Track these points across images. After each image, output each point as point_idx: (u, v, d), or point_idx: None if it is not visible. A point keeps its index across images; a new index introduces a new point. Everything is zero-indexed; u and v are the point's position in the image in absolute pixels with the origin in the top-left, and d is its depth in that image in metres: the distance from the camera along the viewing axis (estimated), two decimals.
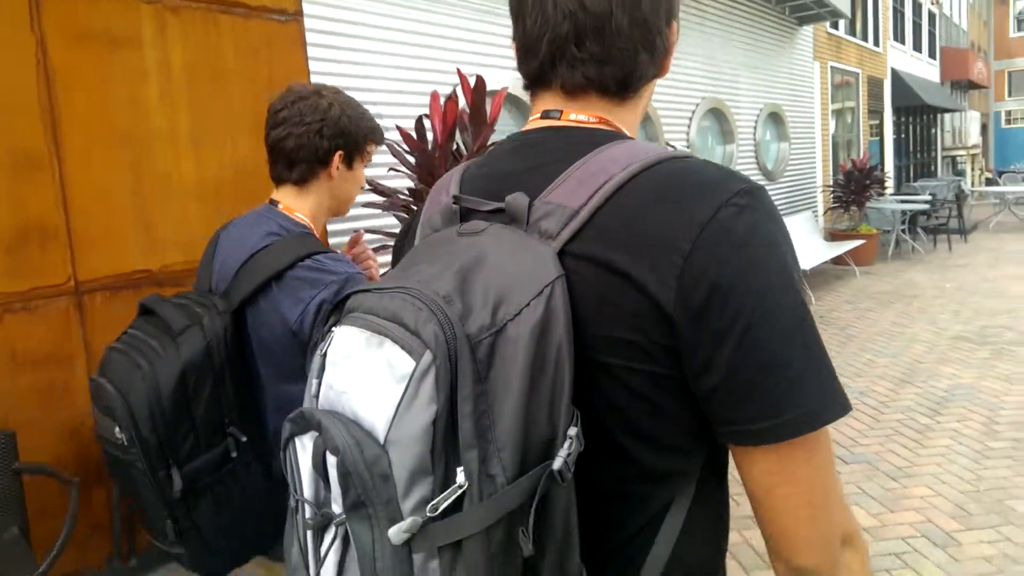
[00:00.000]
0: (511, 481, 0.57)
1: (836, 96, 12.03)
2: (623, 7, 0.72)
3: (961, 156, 22.33)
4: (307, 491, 0.64)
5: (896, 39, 16.25)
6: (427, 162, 3.40)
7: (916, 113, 18.45)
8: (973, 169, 23.57)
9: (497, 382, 0.59)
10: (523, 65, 0.79)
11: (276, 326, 1.29)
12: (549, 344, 0.60)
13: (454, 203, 0.75)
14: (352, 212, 3.70)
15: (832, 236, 10.25)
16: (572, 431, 0.61)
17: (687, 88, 7.27)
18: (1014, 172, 19.61)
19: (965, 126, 21.97)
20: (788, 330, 0.62)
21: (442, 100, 3.49)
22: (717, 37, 7.81)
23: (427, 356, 0.57)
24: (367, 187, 3.53)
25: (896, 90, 15.58)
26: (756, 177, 8.88)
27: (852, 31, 13.25)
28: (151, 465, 1.21)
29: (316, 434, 0.61)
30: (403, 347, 0.58)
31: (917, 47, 18.22)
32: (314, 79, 3.65)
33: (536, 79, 0.78)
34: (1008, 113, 29.88)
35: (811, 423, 0.62)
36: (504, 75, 4.81)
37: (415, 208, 3.46)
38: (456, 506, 0.56)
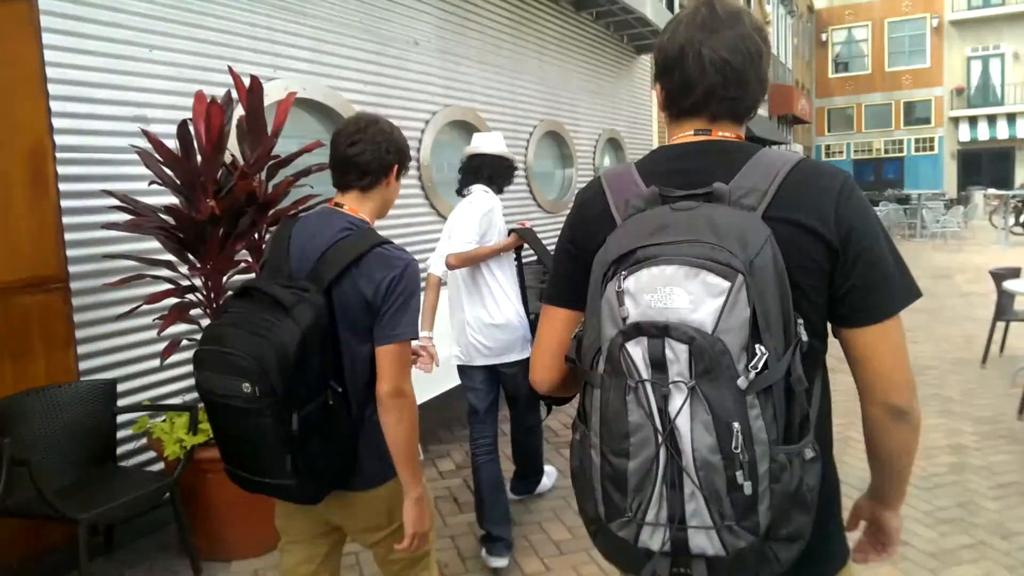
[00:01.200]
0: (782, 353, 0.98)
1: None
2: (752, 67, 1.15)
3: None
4: (645, 375, 0.97)
5: None
6: (189, 177, 2.86)
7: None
8: None
9: (760, 294, 0.96)
10: (678, 99, 1.19)
11: (355, 298, 1.65)
12: (779, 270, 1.00)
13: (661, 194, 1.10)
14: (99, 234, 3.11)
15: None
16: (800, 321, 1.03)
17: (524, 111, 7.08)
18: None
19: None
20: (886, 252, 1.10)
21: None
22: (555, 61, 7.71)
23: (740, 278, 0.95)
24: (121, 204, 2.94)
25: None
26: None
27: None
28: (278, 410, 1.52)
29: (647, 339, 0.96)
30: (718, 274, 0.95)
31: None
32: (52, 72, 3.00)
33: (688, 110, 1.19)
34: (828, 147, 32.75)
35: (899, 307, 1.10)
36: (301, 79, 4.31)
37: (176, 231, 2.90)
38: (763, 368, 0.95)
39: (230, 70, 3.04)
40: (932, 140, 30.61)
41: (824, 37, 32.40)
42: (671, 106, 1.21)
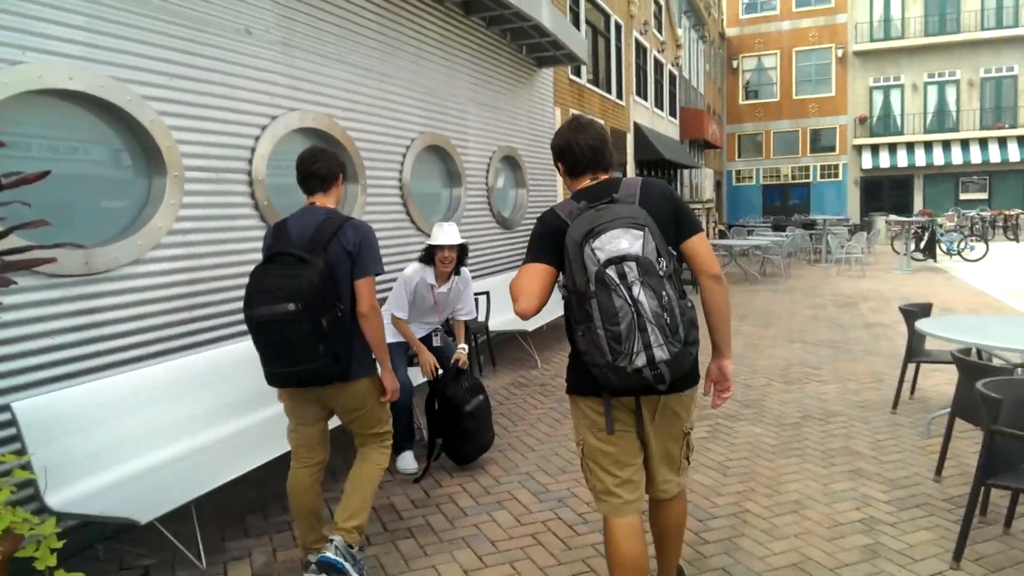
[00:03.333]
0: (668, 262, 2.12)
1: None
2: (605, 146, 2.46)
3: (698, 210, 24.11)
4: (618, 281, 2.03)
5: (639, 95, 16.93)
6: None
7: (657, 167, 19.43)
8: (708, 222, 25.61)
9: (654, 237, 2.12)
10: (572, 168, 2.45)
11: (341, 253, 2.79)
12: (656, 227, 2.15)
13: (588, 205, 2.22)
14: None
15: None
16: (669, 247, 2.24)
17: (398, 121, 6.24)
18: (741, 226, 21.35)
19: (701, 182, 23.79)
20: (692, 213, 2.41)
21: None
22: (439, 68, 6.91)
23: (646, 230, 2.10)
24: None
25: (638, 143, 16.14)
26: (490, 225, 8.08)
27: (596, 82, 13.35)
28: (312, 317, 2.64)
29: (614, 265, 2.04)
30: (636, 229, 2.10)
31: (659, 104, 19.27)
32: None
33: (580, 171, 2.44)
34: (738, 172, 33.28)
35: (702, 228, 2.41)
36: (67, 66, 3.25)
37: None
38: (665, 268, 2.10)
39: None
40: (837, 167, 31.46)
41: (735, 64, 33.00)
42: (570, 172, 2.47)
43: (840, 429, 4.96)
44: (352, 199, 5.58)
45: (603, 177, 2.41)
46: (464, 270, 4.58)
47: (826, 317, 9.67)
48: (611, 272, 2.02)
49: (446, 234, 4.30)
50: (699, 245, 2.32)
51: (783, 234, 17.79)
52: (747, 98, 33.09)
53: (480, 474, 4.23)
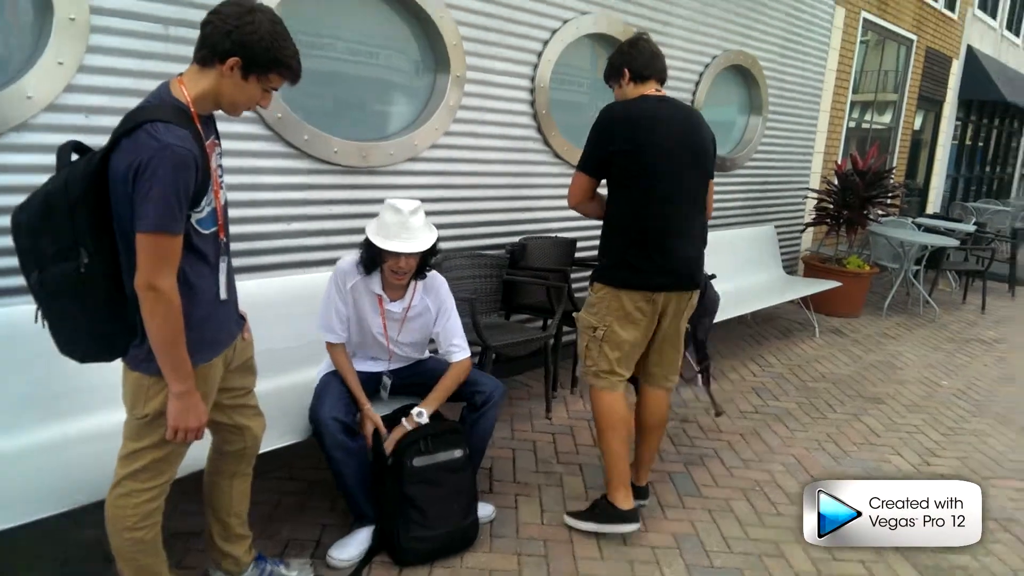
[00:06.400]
0: None
1: (868, 64, 8.64)
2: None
3: None
4: None
5: (983, 8, 12.48)
6: None
7: (993, 112, 14.59)
8: None
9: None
10: (644, 70, 2.63)
11: (118, 175, 1.58)
12: None
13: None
14: None
15: (808, 266, 7.03)
16: None
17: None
18: None
19: None
20: None
21: None
22: None
23: None
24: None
25: (969, 76, 11.89)
26: None
27: None
28: (24, 263, 1.64)
29: None
30: None
31: (1014, 26, 14.30)
32: None
33: (647, 78, 2.64)
34: None
35: None
36: None
37: None
38: None
39: None
40: None
41: None
42: (639, 76, 2.63)
43: None
44: (439, 94, 3.79)
45: (663, 92, 2.68)
46: (433, 273, 2.74)
47: None
48: None
49: (408, 229, 2.49)
50: None
51: None
52: None
53: None
